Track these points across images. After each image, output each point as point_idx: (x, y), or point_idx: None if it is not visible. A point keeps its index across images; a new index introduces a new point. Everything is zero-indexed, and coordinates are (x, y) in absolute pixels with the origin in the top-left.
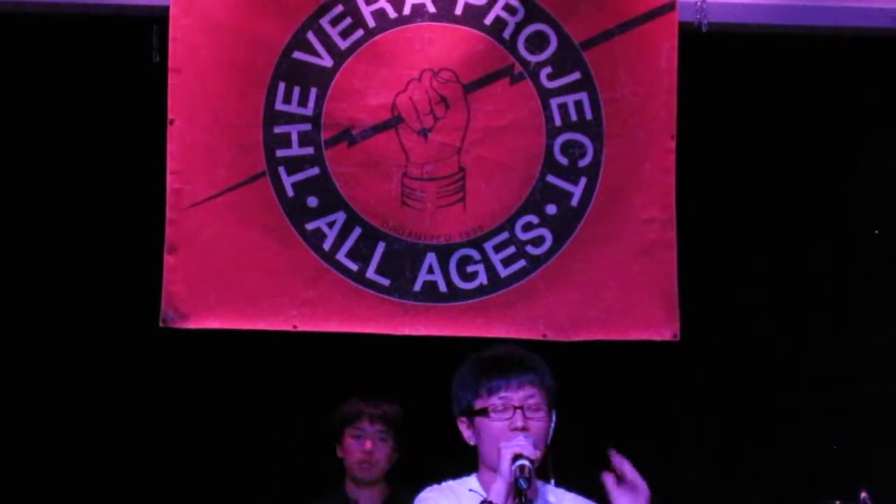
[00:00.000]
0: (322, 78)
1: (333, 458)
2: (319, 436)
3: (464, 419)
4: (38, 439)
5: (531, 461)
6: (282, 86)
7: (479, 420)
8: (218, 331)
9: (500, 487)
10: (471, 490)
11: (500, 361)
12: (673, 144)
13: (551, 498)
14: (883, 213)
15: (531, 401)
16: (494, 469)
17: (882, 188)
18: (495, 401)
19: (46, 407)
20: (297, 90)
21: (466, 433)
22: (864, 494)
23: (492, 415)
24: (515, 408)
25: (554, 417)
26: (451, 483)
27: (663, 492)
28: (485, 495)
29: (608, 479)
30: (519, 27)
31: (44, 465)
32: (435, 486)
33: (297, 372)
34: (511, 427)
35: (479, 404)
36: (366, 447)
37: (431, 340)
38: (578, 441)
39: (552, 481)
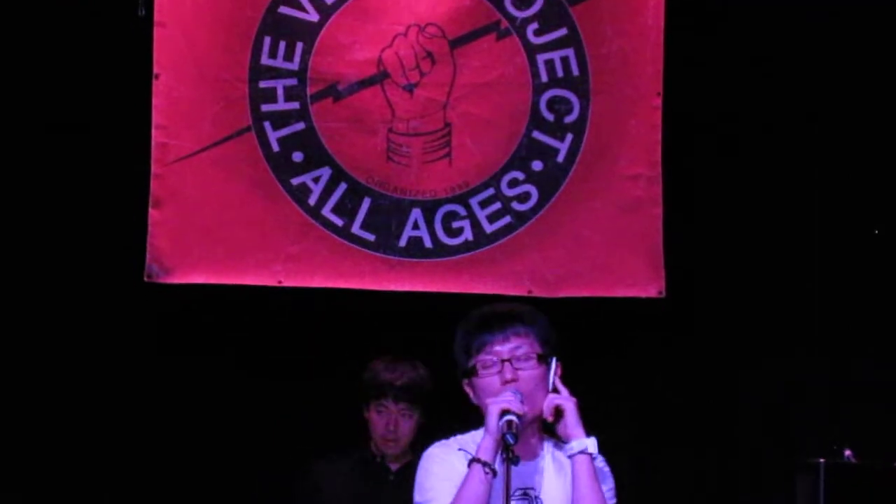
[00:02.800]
0: (308, 32)
1: (330, 418)
2: (311, 393)
3: (465, 381)
4: (24, 393)
5: (518, 416)
6: (267, 40)
7: (474, 379)
8: (203, 285)
9: (487, 445)
10: (460, 449)
11: (486, 318)
12: (659, 101)
13: (558, 456)
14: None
15: (519, 351)
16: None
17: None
18: (483, 357)
19: (31, 361)
20: (282, 45)
21: (470, 394)
22: (847, 453)
23: (481, 371)
24: (503, 361)
25: (554, 364)
26: (458, 437)
27: (648, 449)
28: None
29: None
30: None
31: (28, 420)
32: (442, 441)
33: (283, 327)
34: (501, 381)
35: (470, 363)
36: (389, 425)
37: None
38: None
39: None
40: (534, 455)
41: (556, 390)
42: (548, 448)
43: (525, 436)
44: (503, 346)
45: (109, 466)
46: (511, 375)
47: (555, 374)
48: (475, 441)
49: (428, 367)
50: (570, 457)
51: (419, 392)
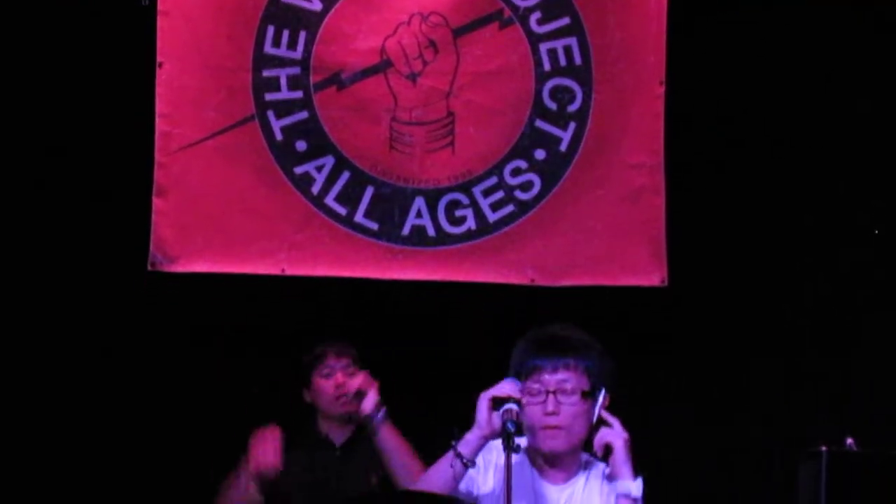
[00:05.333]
0: (311, 21)
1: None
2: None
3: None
4: (27, 382)
5: (518, 402)
6: (271, 29)
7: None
8: (206, 273)
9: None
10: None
11: (541, 342)
12: (662, 90)
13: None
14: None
15: (566, 385)
16: (535, 452)
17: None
18: (530, 384)
19: (35, 350)
20: (286, 33)
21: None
22: (849, 441)
23: (526, 398)
24: (548, 392)
25: (602, 397)
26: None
27: (651, 438)
28: (531, 476)
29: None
30: None
31: (31, 409)
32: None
33: (285, 316)
34: (543, 412)
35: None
36: (337, 381)
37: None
38: None
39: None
40: (566, 479)
41: (604, 422)
42: (582, 474)
43: (562, 462)
44: (551, 377)
45: (112, 453)
46: (553, 408)
47: (601, 406)
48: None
49: (429, 354)
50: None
51: (356, 356)
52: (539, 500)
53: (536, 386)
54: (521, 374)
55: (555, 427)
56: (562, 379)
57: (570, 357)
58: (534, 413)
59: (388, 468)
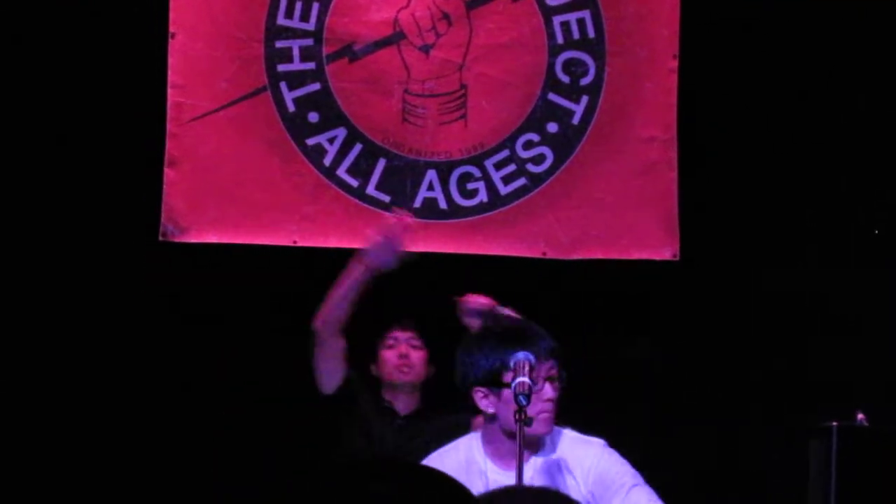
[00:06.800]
0: None
1: None
2: None
3: (482, 389)
4: (38, 354)
5: (531, 370)
6: (284, 0)
7: (506, 392)
8: (217, 244)
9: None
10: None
11: (525, 332)
12: (675, 64)
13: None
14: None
15: (553, 371)
16: (511, 436)
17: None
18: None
19: (46, 320)
20: (299, 5)
21: (483, 402)
22: (860, 416)
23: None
24: (545, 379)
25: None
26: (455, 444)
27: (660, 412)
28: (484, 462)
29: None
30: None
31: (41, 374)
32: (440, 450)
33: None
34: (542, 399)
35: (508, 377)
36: (401, 351)
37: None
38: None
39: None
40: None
41: None
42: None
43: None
44: (543, 365)
45: (123, 424)
46: (552, 395)
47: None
48: (466, 453)
49: (439, 327)
50: None
51: (422, 325)
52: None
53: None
54: (504, 367)
55: (549, 412)
56: (551, 366)
57: (553, 343)
58: (532, 401)
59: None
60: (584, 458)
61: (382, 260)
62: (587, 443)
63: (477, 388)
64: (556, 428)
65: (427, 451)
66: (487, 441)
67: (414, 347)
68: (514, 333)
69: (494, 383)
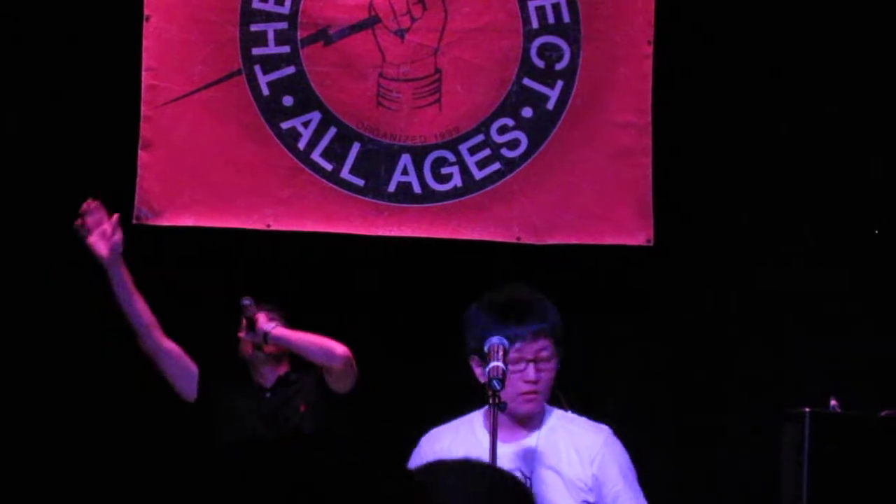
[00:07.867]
0: None
1: None
2: None
3: (476, 358)
4: (14, 333)
5: (504, 354)
6: None
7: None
8: (191, 227)
9: None
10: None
11: (517, 310)
12: (650, 50)
13: (554, 420)
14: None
15: (543, 353)
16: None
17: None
18: (511, 354)
19: (19, 303)
20: None
21: (477, 370)
22: (833, 402)
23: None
24: (528, 361)
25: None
26: (455, 422)
27: (633, 398)
28: (484, 437)
29: None
30: None
31: (19, 358)
32: (441, 427)
33: (270, 271)
34: (523, 380)
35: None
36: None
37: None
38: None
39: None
40: (531, 430)
41: None
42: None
43: (532, 417)
44: (531, 346)
45: (101, 406)
46: (534, 377)
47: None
48: (472, 425)
49: (413, 311)
50: None
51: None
52: (513, 454)
53: (515, 355)
54: (483, 350)
55: (533, 392)
56: (540, 347)
57: (545, 323)
58: (513, 382)
59: (310, 359)
60: (591, 444)
61: (100, 254)
62: (596, 429)
63: (472, 357)
64: (558, 410)
65: (295, 407)
66: (488, 415)
67: (274, 319)
68: (504, 311)
69: (482, 357)
